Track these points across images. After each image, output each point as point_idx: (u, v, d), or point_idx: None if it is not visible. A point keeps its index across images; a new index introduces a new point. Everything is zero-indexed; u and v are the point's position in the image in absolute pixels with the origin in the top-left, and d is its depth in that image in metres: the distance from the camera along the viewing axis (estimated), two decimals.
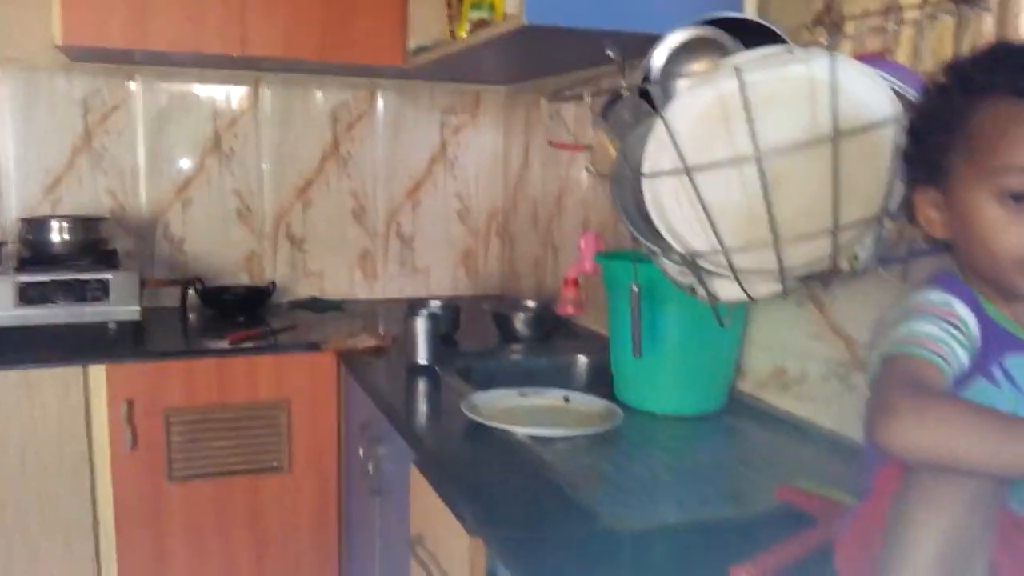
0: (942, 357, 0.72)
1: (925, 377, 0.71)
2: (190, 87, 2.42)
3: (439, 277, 2.73)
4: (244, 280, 2.51)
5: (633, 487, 1.19)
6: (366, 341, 1.94)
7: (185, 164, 2.44)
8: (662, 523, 1.08)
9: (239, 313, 2.33)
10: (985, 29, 1.15)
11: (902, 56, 1.27)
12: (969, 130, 0.75)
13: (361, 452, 1.74)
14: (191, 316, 2.33)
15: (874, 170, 1.02)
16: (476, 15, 1.90)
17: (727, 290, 1.19)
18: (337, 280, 2.63)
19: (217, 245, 2.49)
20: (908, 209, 0.83)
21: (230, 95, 2.46)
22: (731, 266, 1.12)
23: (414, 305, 2.13)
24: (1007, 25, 1.12)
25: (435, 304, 2.20)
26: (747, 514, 1.11)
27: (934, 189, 0.79)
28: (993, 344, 0.76)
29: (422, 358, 1.75)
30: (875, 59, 1.13)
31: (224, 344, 2.03)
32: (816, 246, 1.09)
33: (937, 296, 0.77)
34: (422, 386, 1.68)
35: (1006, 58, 0.75)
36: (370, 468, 1.68)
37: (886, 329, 0.77)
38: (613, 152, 1.23)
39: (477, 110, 2.69)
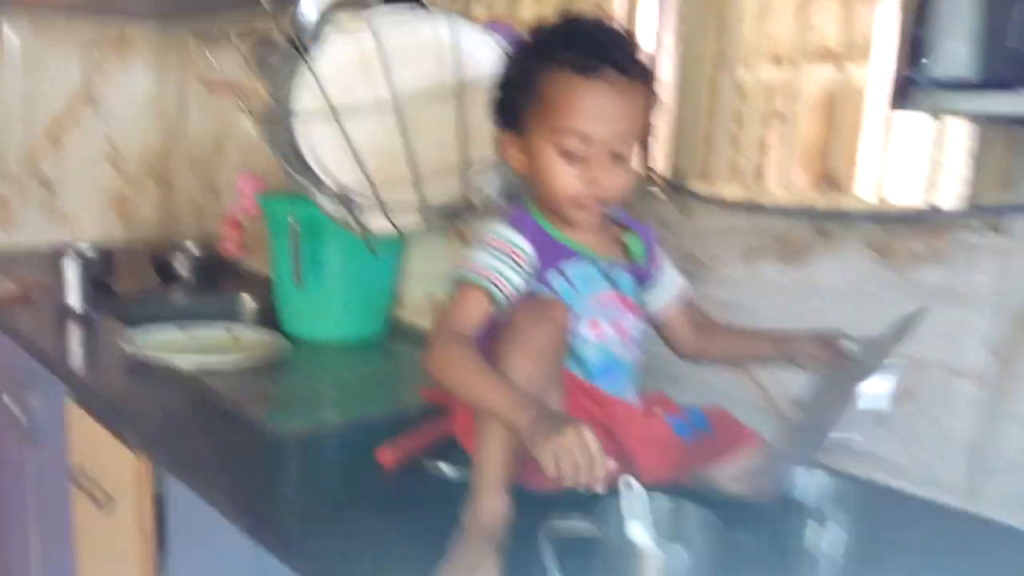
0: (492, 281, 0.90)
1: (471, 303, 0.90)
2: None
3: (88, 223, 2.58)
4: None
5: (297, 403, 1.30)
6: (5, 288, 1.83)
7: None
8: (322, 426, 1.20)
9: None
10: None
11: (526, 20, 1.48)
12: (539, 92, 0.92)
13: (7, 401, 1.66)
14: None
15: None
16: None
17: (378, 223, 1.33)
18: None
19: None
20: (499, 149, 1.01)
21: None
22: (379, 201, 1.26)
23: (61, 251, 2.02)
24: None
25: (86, 248, 2.11)
26: (399, 413, 1.26)
27: (515, 134, 0.97)
28: (555, 257, 0.96)
29: (74, 303, 1.70)
30: (496, 24, 1.32)
31: None
32: (450, 184, 1.27)
33: (498, 229, 0.94)
34: (76, 330, 1.63)
35: (572, 34, 0.92)
36: (19, 416, 1.61)
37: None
38: (265, 94, 1.31)
39: (124, 47, 2.56)
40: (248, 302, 1.92)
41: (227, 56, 2.13)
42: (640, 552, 0.69)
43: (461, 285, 0.92)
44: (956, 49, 0.70)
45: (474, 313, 0.91)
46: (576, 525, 0.73)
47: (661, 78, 0.99)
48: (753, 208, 1.20)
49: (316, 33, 1.25)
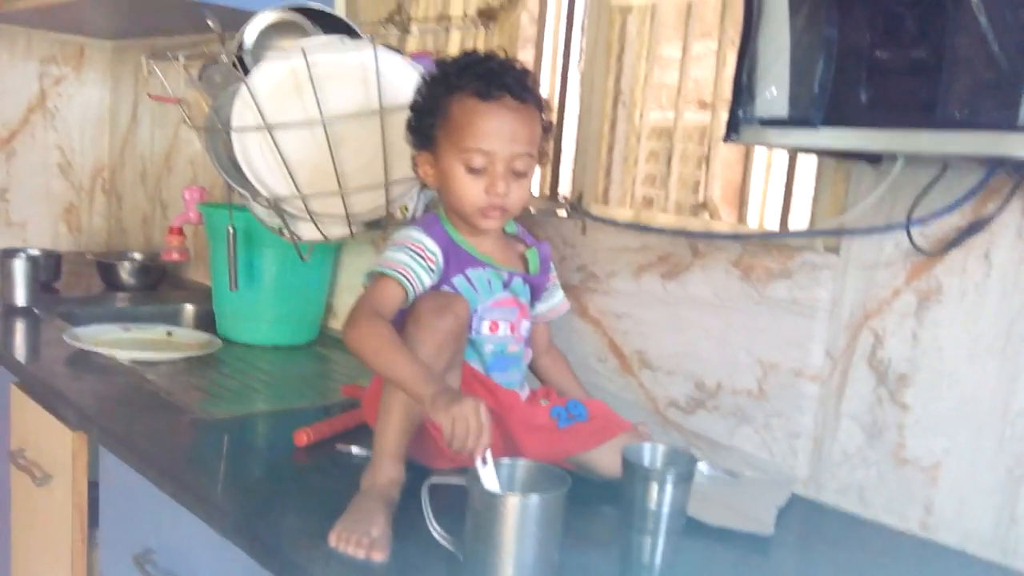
0: (404, 276, 1.03)
1: (386, 290, 1.03)
2: None
3: (38, 231, 2.66)
4: None
5: (227, 394, 1.41)
6: None
7: None
8: (248, 414, 1.32)
9: None
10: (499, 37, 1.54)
11: (452, 52, 1.63)
12: (447, 116, 1.06)
13: None
14: None
15: None
16: None
17: (308, 231, 1.46)
18: None
19: None
20: (414, 166, 1.15)
21: None
22: (308, 210, 1.39)
23: (11, 253, 2.11)
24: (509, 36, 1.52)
25: (33, 251, 2.19)
26: (321, 406, 1.38)
27: (428, 152, 1.11)
28: (461, 263, 1.10)
29: (20, 300, 1.79)
30: (420, 56, 1.46)
31: None
32: (375, 197, 1.40)
33: (412, 232, 1.08)
34: (21, 324, 1.72)
35: (472, 66, 1.07)
36: None
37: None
38: (206, 108, 1.44)
39: (81, 63, 2.66)
40: (188, 309, 2.02)
41: (177, 74, 2.25)
42: (498, 497, 0.82)
43: (377, 276, 1.05)
44: (773, 93, 0.86)
45: (388, 299, 1.03)
46: (450, 478, 0.86)
47: (552, 104, 1.14)
48: (641, 229, 1.36)
49: (257, 55, 1.38)
